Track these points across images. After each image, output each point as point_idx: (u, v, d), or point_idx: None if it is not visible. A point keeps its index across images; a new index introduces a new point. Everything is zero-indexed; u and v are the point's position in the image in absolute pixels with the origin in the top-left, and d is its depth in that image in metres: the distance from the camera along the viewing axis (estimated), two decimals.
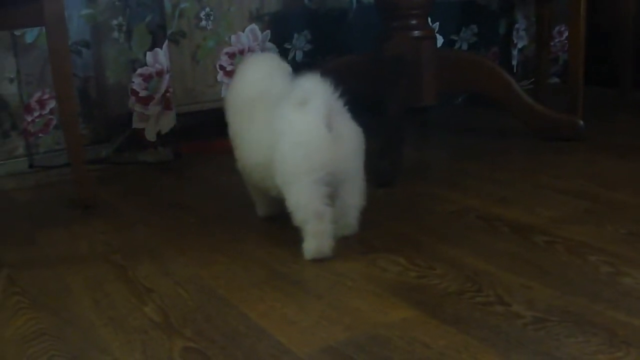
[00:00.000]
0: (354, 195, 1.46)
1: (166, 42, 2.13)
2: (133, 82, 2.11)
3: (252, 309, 1.23)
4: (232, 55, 2.41)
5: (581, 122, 2.17)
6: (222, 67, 2.41)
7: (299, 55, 2.50)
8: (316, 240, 1.38)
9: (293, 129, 1.38)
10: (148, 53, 2.10)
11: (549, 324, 1.13)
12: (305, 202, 1.37)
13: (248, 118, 1.53)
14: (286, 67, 1.63)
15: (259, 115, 1.50)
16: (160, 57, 2.11)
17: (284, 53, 2.46)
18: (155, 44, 2.10)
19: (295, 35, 2.48)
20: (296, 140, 1.37)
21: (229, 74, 2.42)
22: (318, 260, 1.39)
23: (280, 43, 2.47)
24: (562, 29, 2.96)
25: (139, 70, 2.10)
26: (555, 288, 1.25)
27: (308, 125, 1.37)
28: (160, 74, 2.12)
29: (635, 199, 1.68)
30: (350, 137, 1.42)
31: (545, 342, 1.08)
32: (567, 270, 1.32)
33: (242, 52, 2.42)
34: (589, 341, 1.07)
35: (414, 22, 2.16)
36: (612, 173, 1.89)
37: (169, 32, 2.26)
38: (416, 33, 2.17)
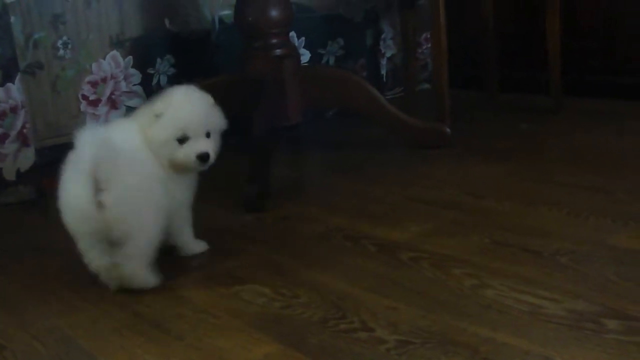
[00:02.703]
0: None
1: (19, 76, 2.04)
2: None
3: (112, 358, 1.18)
4: (94, 84, 2.33)
5: (448, 129, 2.20)
6: (85, 97, 2.33)
7: (163, 80, 2.44)
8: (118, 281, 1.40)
9: (62, 190, 1.36)
10: None
11: (412, 346, 1.12)
12: (87, 261, 1.40)
13: None
14: (198, 102, 1.47)
15: None
16: (13, 92, 2.01)
17: (147, 78, 2.40)
18: (6, 78, 2.01)
19: (159, 60, 2.43)
20: (63, 204, 1.36)
21: (93, 103, 2.34)
22: (180, 298, 1.35)
23: (143, 68, 2.41)
24: (429, 35, 2.99)
25: None
26: (420, 307, 1.24)
27: (70, 190, 1.34)
28: (14, 109, 2.02)
29: (499, 205, 1.70)
30: (128, 193, 1.33)
31: None
32: (432, 287, 1.32)
33: (104, 80, 2.34)
34: None
35: (274, 41, 2.14)
36: (478, 179, 1.91)
37: (23, 64, 2.16)
38: (277, 52, 2.14)
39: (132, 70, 2.39)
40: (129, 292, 1.40)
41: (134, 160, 1.38)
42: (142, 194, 1.37)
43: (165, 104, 1.44)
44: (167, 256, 1.46)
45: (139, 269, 1.39)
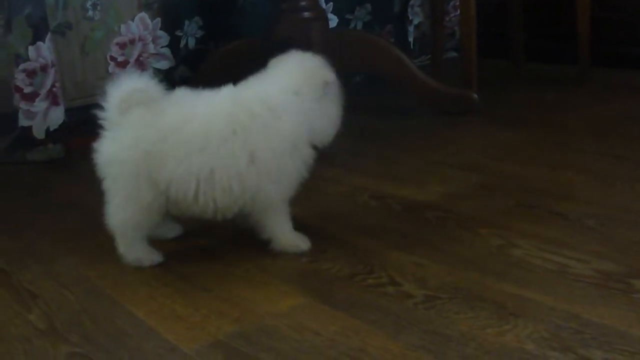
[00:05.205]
0: None
1: (49, 35, 2.05)
2: (16, 78, 2.02)
3: (140, 307, 1.20)
4: (122, 46, 2.34)
5: (475, 96, 2.19)
6: (113, 58, 2.34)
7: (191, 42, 2.45)
8: None
9: None
10: (30, 47, 2.01)
11: (439, 301, 1.13)
12: None
13: None
14: None
15: None
16: (43, 51, 2.02)
17: (175, 40, 2.41)
18: (37, 37, 2.02)
19: (187, 22, 2.43)
20: None
21: (121, 64, 2.35)
22: (207, 252, 1.37)
23: (172, 30, 2.41)
24: (457, 3, 2.97)
25: (22, 66, 2.01)
26: (447, 264, 1.25)
27: None
28: (44, 68, 2.03)
29: (523, 169, 1.70)
30: None
31: (435, 320, 1.07)
32: (459, 245, 1.33)
33: (132, 42, 2.35)
34: (478, 316, 1.07)
35: (303, 3, 2.13)
36: (503, 146, 1.91)
37: (53, 24, 2.17)
38: (306, 14, 2.14)
39: (160, 32, 2.39)
40: (156, 246, 1.41)
41: None
42: None
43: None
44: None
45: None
